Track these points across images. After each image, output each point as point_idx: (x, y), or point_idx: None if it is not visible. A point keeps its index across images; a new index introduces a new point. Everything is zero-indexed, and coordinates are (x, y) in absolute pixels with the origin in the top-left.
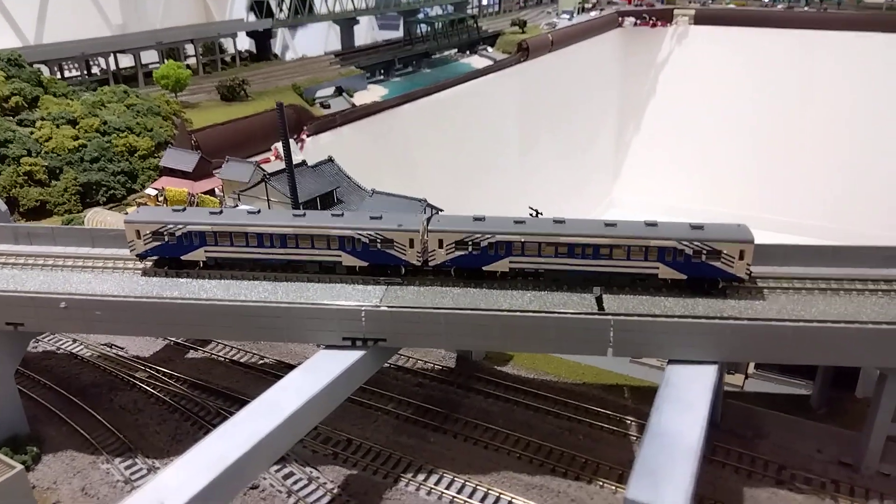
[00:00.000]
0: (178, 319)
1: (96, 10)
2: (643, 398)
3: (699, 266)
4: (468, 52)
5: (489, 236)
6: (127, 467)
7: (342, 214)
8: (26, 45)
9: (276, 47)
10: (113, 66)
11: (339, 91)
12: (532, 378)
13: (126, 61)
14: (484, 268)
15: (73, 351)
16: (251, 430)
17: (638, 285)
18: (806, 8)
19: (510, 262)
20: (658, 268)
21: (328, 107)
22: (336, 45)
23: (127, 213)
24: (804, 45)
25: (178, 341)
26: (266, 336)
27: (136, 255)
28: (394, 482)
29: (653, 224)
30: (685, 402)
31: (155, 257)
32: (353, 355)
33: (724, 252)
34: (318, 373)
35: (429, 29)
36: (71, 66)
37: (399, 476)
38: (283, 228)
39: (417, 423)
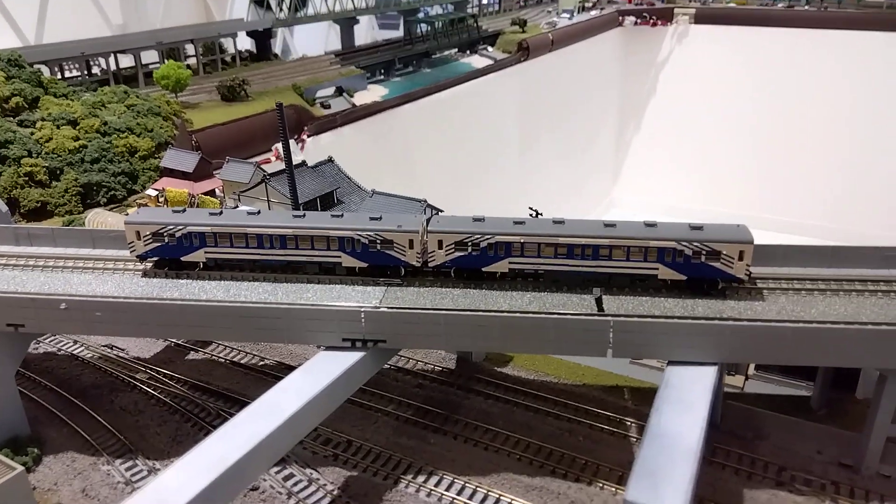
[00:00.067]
0: (179, 321)
1: (96, 10)
2: (643, 399)
3: (699, 267)
4: (468, 52)
5: (489, 237)
6: (128, 468)
7: (342, 215)
8: (26, 46)
9: (277, 47)
10: (113, 67)
11: (339, 91)
12: (532, 379)
13: (126, 61)
14: (483, 269)
15: (74, 352)
16: (251, 432)
17: (637, 286)
18: (806, 7)
19: (510, 262)
20: (657, 268)
21: (328, 107)
22: (336, 44)
23: (127, 214)
24: (805, 44)
25: (179, 343)
26: (266, 337)
27: (137, 257)
28: (394, 483)
29: (652, 224)
30: (685, 403)
31: (155, 258)
32: (353, 356)
33: (724, 253)
34: (318, 374)
35: (429, 28)
36: (71, 66)
37: (399, 477)
38: (282, 229)
39: (417, 425)
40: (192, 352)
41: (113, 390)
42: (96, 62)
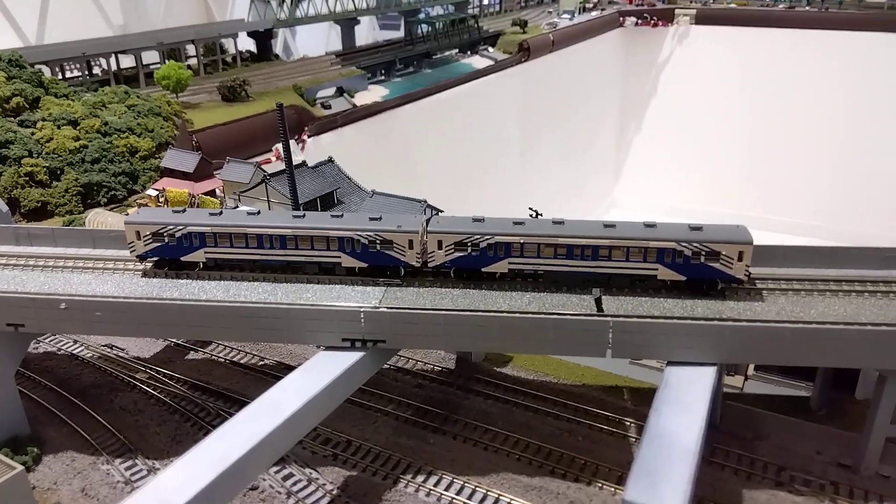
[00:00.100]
0: (178, 320)
1: (97, 11)
2: (643, 400)
3: (698, 267)
4: (469, 53)
5: (488, 237)
6: (127, 468)
7: (341, 215)
8: (27, 46)
9: (277, 47)
10: (114, 67)
11: (339, 91)
12: (532, 379)
13: (127, 62)
14: (483, 269)
15: (74, 352)
16: (251, 431)
17: (637, 286)
18: (807, 7)
19: (509, 263)
20: (657, 269)
21: (329, 107)
22: (337, 45)
23: (128, 214)
24: (805, 44)
25: (179, 342)
26: (266, 337)
27: (137, 257)
28: (393, 483)
29: (652, 225)
30: (684, 403)
31: (155, 258)
32: (353, 356)
33: (723, 253)
34: (318, 374)
35: (430, 29)
36: (72, 66)
37: (398, 477)
38: (282, 229)
39: (417, 425)
40: (191, 351)
41: (113, 390)
42: (97, 62)
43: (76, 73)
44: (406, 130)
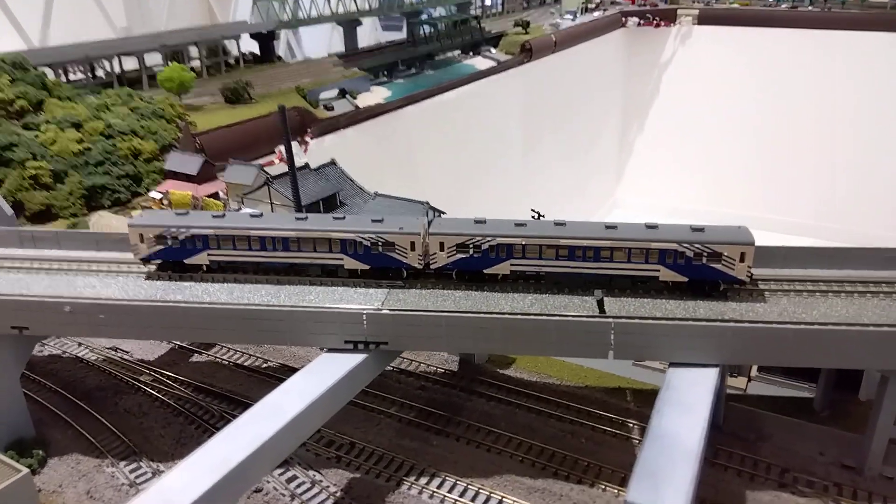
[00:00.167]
0: (182, 323)
1: (101, 13)
2: (646, 401)
3: (700, 268)
4: (471, 54)
5: (490, 239)
6: (132, 470)
7: (344, 218)
8: (31, 49)
9: (280, 49)
10: (117, 69)
11: (342, 93)
12: (534, 381)
13: (130, 64)
14: (485, 270)
15: (79, 355)
16: (254, 433)
17: (639, 288)
18: (810, 7)
19: (511, 264)
20: (659, 270)
21: (332, 109)
22: (339, 46)
23: (131, 217)
24: (808, 44)
25: (183, 345)
26: (269, 339)
27: (140, 259)
28: (396, 485)
29: (653, 226)
30: (686, 404)
31: (159, 261)
32: (355, 358)
33: (725, 254)
34: (321, 376)
35: (432, 30)
36: (75, 69)
37: (401, 479)
38: (285, 232)
39: (420, 427)
40: (195, 354)
41: (117, 392)
42: (100, 65)
43: (80, 76)
44: (408, 132)
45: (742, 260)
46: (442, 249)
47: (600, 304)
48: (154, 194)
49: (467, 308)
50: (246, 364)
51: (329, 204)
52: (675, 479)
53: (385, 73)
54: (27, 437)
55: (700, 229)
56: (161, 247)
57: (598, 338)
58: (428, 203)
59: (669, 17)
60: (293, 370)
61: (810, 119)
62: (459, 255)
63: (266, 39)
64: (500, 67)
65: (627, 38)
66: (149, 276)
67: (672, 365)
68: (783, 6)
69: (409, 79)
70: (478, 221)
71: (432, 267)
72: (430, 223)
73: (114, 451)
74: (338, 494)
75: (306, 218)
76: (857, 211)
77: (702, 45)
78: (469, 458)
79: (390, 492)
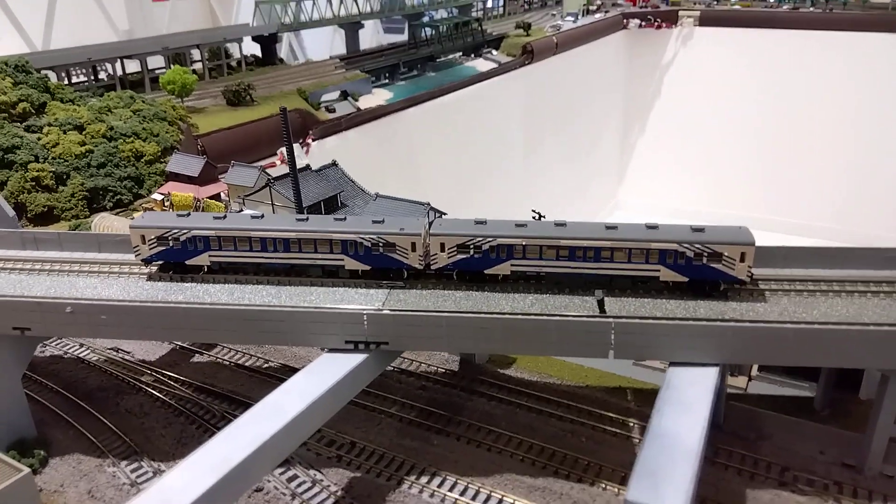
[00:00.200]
0: (183, 323)
1: (103, 16)
2: (646, 400)
3: (700, 268)
4: (473, 56)
5: (491, 240)
6: (133, 470)
7: (344, 219)
8: (34, 52)
9: (282, 52)
10: (119, 72)
11: (344, 95)
12: (535, 381)
13: (132, 67)
14: (486, 271)
15: (80, 355)
16: (255, 433)
17: (639, 288)
18: (811, 8)
19: (512, 265)
20: (659, 270)
21: (333, 111)
22: (341, 49)
23: (133, 219)
24: (810, 45)
25: (184, 345)
26: (269, 340)
27: (142, 260)
28: (397, 485)
29: (654, 227)
30: (686, 404)
31: (160, 262)
32: (356, 358)
33: (726, 254)
34: (321, 376)
35: (433, 32)
36: (78, 71)
37: (402, 479)
38: (286, 233)
39: (421, 426)
40: (196, 354)
41: (119, 393)
42: (103, 67)
43: (82, 79)
44: (410, 134)
45: (742, 260)
46: (442, 250)
47: (601, 304)
48: (156, 196)
49: (468, 308)
50: (247, 364)
51: (330, 205)
52: (675, 478)
53: (387, 75)
54: (29, 437)
55: (700, 229)
56: (162, 248)
57: (598, 338)
58: (429, 204)
59: (671, 19)
60: (294, 370)
61: (811, 120)
62: (460, 256)
63: (268, 42)
64: (502, 69)
65: (629, 40)
66: (150, 277)
67: (672, 364)
68: (784, 7)
69: (411, 81)
70: (478, 222)
71: (433, 267)
72: (430, 224)
73: (115, 451)
74: (339, 494)
75: (307, 219)
76: (858, 212)
77: (703, 47)
78: (470, 458)
79: (391, 491)
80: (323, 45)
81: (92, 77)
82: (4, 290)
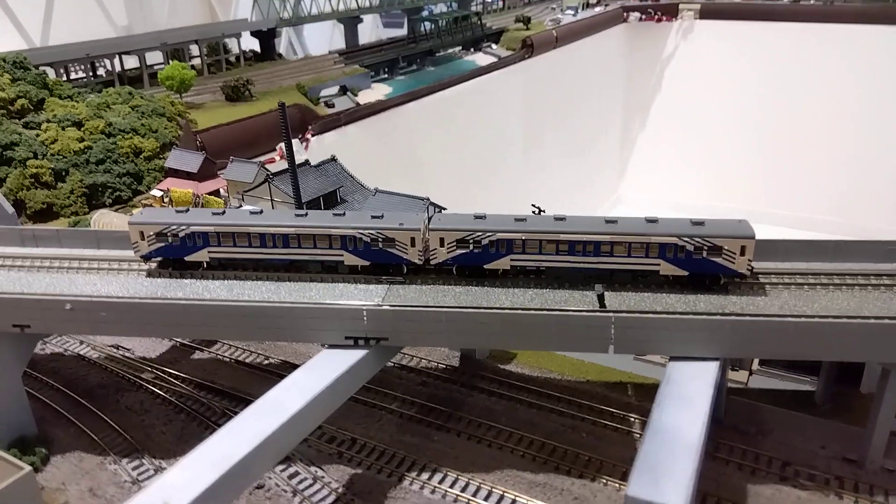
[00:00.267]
0: (183, 320)
1: (101, 12)
2: (647, 395)
3: (700, 262)
4: (472, 50)
5: (490, 234)
6: (134, 468)
7: (344, 214)
8: (32, 48)
9: (281, 47)
10: (118, 68)
11: (343, 90)
12: (535, 376)
13: (131, 62)
14: (485, 266)
15: (81, 352)
16: (256, 430)
17: (639, 282)
18: (812, 1)
19: (511, 259)
20: (659, 264)
21: (332, 106)
22: (340, 43)
23: (132, 215)
24: (810, 38)
25: (184, 342)
26: (269, 336)
27: (141, 257)
28: (398, 481)
29: (653, 220)
30: (686, 398)
31: (159, 258)
32: (356, 354)
33: (726, 248)
34: (322, 372)
35: (433, 26)
36: (76, 67)
37: (403, 475)
38: (285, 229)
39: (421, 422)
40: (197, 351)
41: (119, 390)
42: (101, 63)
43: (80, 75)
44: (409, 128)
45: (742, 253)
46: (442, 245)
47: (601, 298)
48: (155, 192)
49: (468, 303)
50: (247, 361)
51: (329, 200)
52: (675, 472)
53: (386, 69)
54: (30, 435)
55: (700, 223)
56: (161, 244)
57: (598, 332)
58: (428, 199)
59: (671, 12)
60: (294, 366)
61: (812, 113)
62: (459, 251)
63: (267, 37)
64: (501, 63)
65: (629, 34)
66: (149, 274)
67: (673, 359)
68: (785, 0)
69: (410, 75)
70: (478, 217)
71: (432, 263)
72: (429, 219)
73: (116, 449)
74: (339, 490)
75: (306, 214)
76: (858, 205)
77: (704, 40)
78: (470, 454)
79: (392, 487)
80: (322, 39)
81: (90, 73)
82: (4, 288)
